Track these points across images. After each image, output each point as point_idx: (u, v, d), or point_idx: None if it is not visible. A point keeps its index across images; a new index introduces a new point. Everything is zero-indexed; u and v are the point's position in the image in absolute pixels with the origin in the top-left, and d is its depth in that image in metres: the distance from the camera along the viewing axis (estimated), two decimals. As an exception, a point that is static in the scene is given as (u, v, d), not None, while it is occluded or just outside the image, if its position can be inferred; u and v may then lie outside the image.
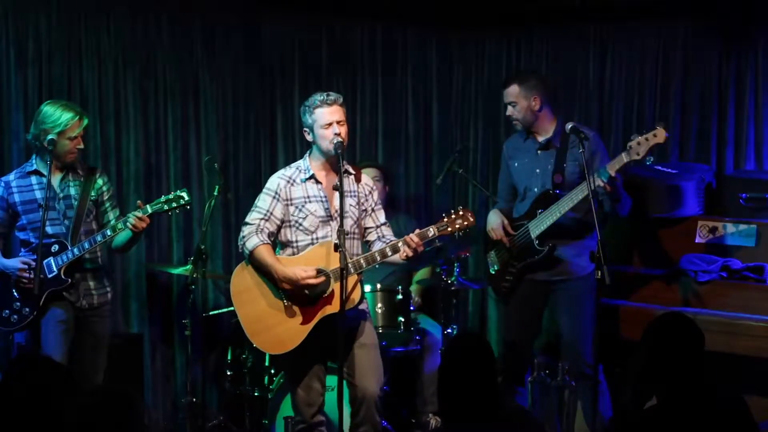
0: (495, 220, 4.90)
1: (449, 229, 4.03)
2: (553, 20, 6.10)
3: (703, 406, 2.88)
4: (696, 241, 5.25)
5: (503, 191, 5.08)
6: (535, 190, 4.75)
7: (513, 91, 4.74)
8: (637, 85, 5.91)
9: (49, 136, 4.19)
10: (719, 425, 2.87)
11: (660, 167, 5.43)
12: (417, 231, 4.01)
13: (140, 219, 4.20)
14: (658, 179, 5.22)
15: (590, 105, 6.02)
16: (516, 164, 4.89)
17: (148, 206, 4.26)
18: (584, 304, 4.59)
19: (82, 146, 4.31)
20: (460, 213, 4.04)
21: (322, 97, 4.11)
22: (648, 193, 5.11)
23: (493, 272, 4.94)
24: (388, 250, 4.02)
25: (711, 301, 5.01)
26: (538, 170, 4.76)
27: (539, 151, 4.78)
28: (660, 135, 4.32)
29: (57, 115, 4.22)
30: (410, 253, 3.97)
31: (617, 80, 5.98)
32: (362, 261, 4.05)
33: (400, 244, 4.00)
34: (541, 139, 4.79)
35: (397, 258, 4.04)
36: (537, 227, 4.66)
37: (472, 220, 4.05)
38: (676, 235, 5.31)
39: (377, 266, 4.15)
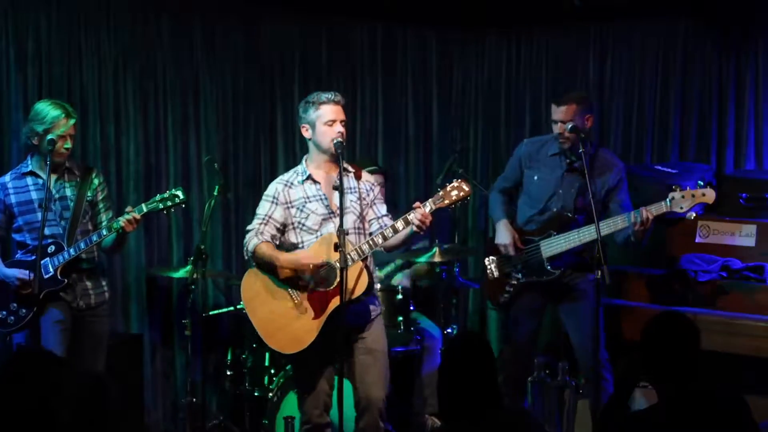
0: (506, 236, 4.75)
1: (446, 201, 3.94)
2: (553, 20, 6.10)
3: (703, 406, 2.87)
4: (696, 241, 5.25)
5: (507, 182, 4.95)
6: (554, 209, 4.67)
7: (571, 110, 4.57)
8: (637, 85, 5.92)
9: (49, 136, 4.19)
10: (719, 425, 2.86)
11: (660, 167, 5.43)
12: (414, 210, 3.94)
13: (129, 222, 4.19)
14: (658, 179, 5.22)
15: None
16: (536, 177, 4.75)
17: (143, 205, 4.25)
18: (592, 306, 4.52)
19: (69, 145, 4.27)
20: (455, 184, 3.97)
21: (329, 95, 4.11)
22: (648, 193, 5.11)
23: (492, 279, 4.86)
24: (388, 231, 3.97)
25: (711, 301, 5.02)
26: (561, 191, 4.67)
27: (566, 173, 4.66)
28: (710, 196, 4.30)
29: (44, 113, 4.21)
30: (420, 220, 3.88)
31: (617, 80, 5.99)
32: (365, 246, 4.00)
33: (410, 216, 3.91)
34: (569, 160, 4.67)
35: (392, 241, 4.01)
36: (550, 249, 4.61)
37: (467, 189, 3.95)
38: (676, 235, 5.32)
39: (375, 266, 4.14)
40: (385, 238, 3.99)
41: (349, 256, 3.93)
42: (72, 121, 4.26)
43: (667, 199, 4.36)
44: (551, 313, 4.96)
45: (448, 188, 3.97)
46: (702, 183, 4.39)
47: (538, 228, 4.70)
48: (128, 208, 4.24)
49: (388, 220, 4.22)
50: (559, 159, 4.71)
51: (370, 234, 4.19)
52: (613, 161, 4.72)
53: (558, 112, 4.61)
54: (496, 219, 4.89)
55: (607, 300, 4.89)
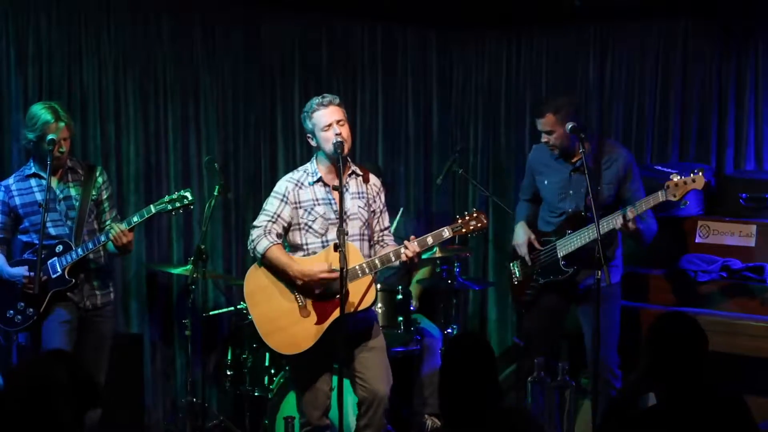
0: (522, 236, 4.80)
1: (463, 230, 4.07)
2: (553, 20, 6.10)
3: (703, 406, 2.87)
4: (696, 241, 5.26)
5: (526, 194, 4.98)
6: (569, 210, 4.68)
7: (549, 120, 4.59)
8: (637, 85, 5.92)
9: (49, 137, 4.19)
10: (719, 425, 2.86)
11: (660, 167, 5.43)
12: (431, 233, 4.05)
13: (122, 233, 4.19)
14: (658, 179, 5.21)
15: (590, 105, 6.03)
16: (546, 182, 4.78)
17: (152, 206, 4.26)
18: (607, 314, 4.52)
19: (64, 150, 4.25)
20: (474, 215, 4.09)
21: (318, 100, 4.12)
22: (648, 193, 5.11)
23: (516, 282, 4.88)
24: (402, 251, 4.04)
25: (711, 301, 5.02)
26: (571, 191, 4.67)
27: (573, 173, 4.67)
28: (699, 182, 4.33)
29: (35, 119, 4.20)
30: (408, 259, 4.02)
31: (617, 80, 5.99)
32: (377, 261, 4.05)
33: (401, 249, 4.03)
34: (574, 160, 4.66)
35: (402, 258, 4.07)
36: (564, 247, 4.62)
37: (485, 222, 4.11)
38: (676, 235, 5.31)
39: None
40: (398, 257, 4.03)
41: (357, 268, 3.98)
42: (62, 125, 4.22)
43: (663, 189, 4.39)
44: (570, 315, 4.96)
45: (467, 218, 4.08)
46: (695, 171, 4.40)
47: (555, 229, 4.73)
48: (116, 226, 4.22)
49: (387, 235, 4.27)
50: (563, 161, 4.72)
51: (371, 245, 4.22)
52: (618, 150, 4.72)
53: (538, 123, 4.67)
54: (515, 223, 4.94)
55: (624, 302, 4.88)
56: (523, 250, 4.78)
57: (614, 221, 4.44)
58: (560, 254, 4.64)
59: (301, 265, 4.05)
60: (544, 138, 4.66)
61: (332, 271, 3.97)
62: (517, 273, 4.87)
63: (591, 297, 4.58)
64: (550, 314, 4.80)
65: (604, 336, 4.50)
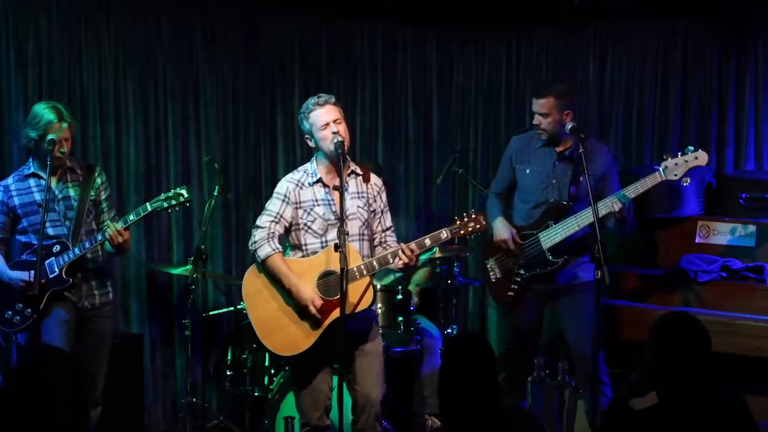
0: (504, 231, 4.75)
1: (462, 231, 4.08)
2: (553, 20, 6.10)
3: (704, 406, 2.87)
4: (696, 241, 5.26)
5: (500, 186, 4.95)
6: (551, 200, 4.66)
7: (548, 103, 4.57)
8: (637, 85, 5.92)
9: (49, 136, 4.19)
10: (719, 425, 2.86)
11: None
12: (429, 235, 4.05)
13: (118, 232, 4.19)
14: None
15: (590, 105, 6.03)
16: (528, 171, 4.74)
17: (148, 204, 4.26)
18: (589, 307, 4.49)
19: (65, 150, 4.26)
20: (473, 216, 4.09)
21: (314, 100, 4.12)
22: (648, 193, 5.11)
23: (494, 280, 4.85)
24: (400, 252, 4.04)
25: (711, 301, 5.02)
26: (554, 181, 4.66)
27: (557, 162, 4.66)
28: (702, 158, 4.31)
29: (38, 118, 4.21)
30: (404, 262, 4.02)
31: (617, 80, 5.99)
32: (375, 263, 4.05)
33: (399, 252, 4.03)
34: (560, 149, 4.66)
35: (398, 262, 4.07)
36: (549, 239, 4.59)
37: (484, 223, 4.11)
38: (676, 235, 5.32)
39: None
40: (395, 258, 4.03)
41: (356, 270, 3.99)
42: (65, 125, 4.24)
43: (660, 169, 4.37)
44: (551, 312, 4.95)
45: (466, 220, 4.09)
46: (692, 147, 4.38)
47: (535, 221, 4.70)
48: (113, 225, 4.23)
49: (390, 235, 4.27)
50: (549, 150, 4.71)
51: (374, 246, 4.22)
52: (600, 148, 4.73)
53: (536, 104, 4.64)
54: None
55: (606, 300, 4.87)
56: (510, 245, 4.72)
57: (612, 205, 4.41)
58: (545, 246, 4.61)
59: (299, 283, 4.03)
60: (537, 120, 4.64)
61: (319, 311, 3.99)
62: (496, 271, 4.83)
63: (571, 292, 4.63)
64: (534, 310, 4.80)
65: (587, 329, 4.48)
